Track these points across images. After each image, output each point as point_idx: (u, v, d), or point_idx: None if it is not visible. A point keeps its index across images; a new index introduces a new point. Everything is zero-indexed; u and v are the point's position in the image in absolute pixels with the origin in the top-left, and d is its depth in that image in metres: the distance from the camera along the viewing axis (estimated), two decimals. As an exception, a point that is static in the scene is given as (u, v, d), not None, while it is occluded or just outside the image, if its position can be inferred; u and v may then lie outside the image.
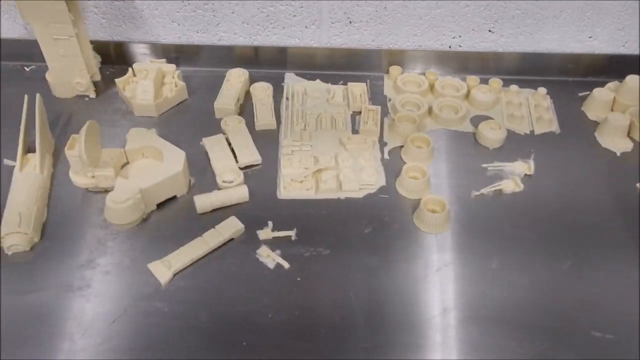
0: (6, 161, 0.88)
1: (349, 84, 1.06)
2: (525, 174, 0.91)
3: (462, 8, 1.02)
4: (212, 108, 1.00)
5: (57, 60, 0.96)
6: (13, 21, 1.06)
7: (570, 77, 1.11)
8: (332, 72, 1.10)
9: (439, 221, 0.81)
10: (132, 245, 0.79)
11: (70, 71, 0.98)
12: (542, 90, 1.05)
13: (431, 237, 0.82)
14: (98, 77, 1.05)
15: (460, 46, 1.08)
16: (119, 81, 1.01)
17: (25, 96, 0.91)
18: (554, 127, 1.00)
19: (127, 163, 0.87)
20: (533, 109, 1.03)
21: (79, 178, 0.83)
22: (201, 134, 0.95)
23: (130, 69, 1.03)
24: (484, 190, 0.87)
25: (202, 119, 0.99)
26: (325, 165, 0.89)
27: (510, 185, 0.88)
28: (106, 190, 0.84)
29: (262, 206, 0.85)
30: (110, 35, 1.08)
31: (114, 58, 1.09)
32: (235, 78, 1.04)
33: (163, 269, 0.74)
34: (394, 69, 1.08)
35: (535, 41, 1.08)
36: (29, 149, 0.87)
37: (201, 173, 0.89)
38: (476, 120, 1.01)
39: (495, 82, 1.06)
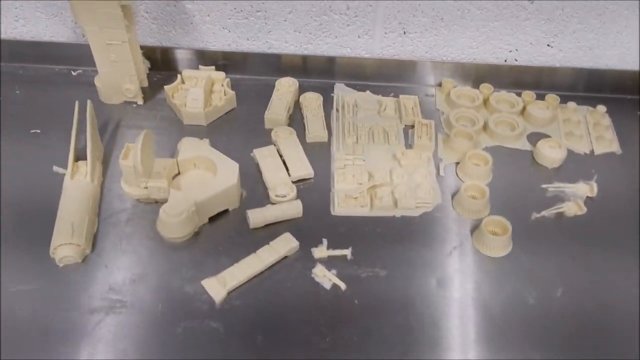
0: (55, 168, 0.87)
1: (400, 96, 1.03)
2: (587, 196, 0.87)
3: (522, 21, 0.99)
4: (261, 117, 0.97)
5: (108, 65, 0.95)
6: (62, 24, 1.04)
7: (629, 94, 1.07)
8: (382, 84, 1.07)
9: (500, 244, 0.78)
10: (184, 259, 0.77)
11: (120, 77, 0.97)
12: (602, 108, 1.02)
13: (491, 260, 0.79)
14: (145, 83, 1.03)
15: (516, 60, 1.05)
16: (167, 88, 0.99)
17: (77, 102, 0.90)
18: (615, 148, 0.97)
19: (179, 174, 0.86)
20: (592, 128, 0.99)
21: (132, 189, 0.81)
22: (250, 144, 0.93)
23: (178, 75, 1.01)
24: (545, 213, 0.84)
25: (251, 128, 0.97)
26: (381, 182, 0.87)
27: (572, 208, 0.85)
28: (157, 202, 0.82)
29: (315, 222, 0.83)
30: (159, 40, 1.06)
31: (160, 63, 1.07)
32: (286, 87, 1.02)
33: (218, 287, 0.72)
34: (447, 82, 1.05)
35: (595, 56, 1.04)
36: (78, 156, 0.86)
37: (252, 185, 0.87)
38: (532, 138, 0.98)
39: (552, 98, 1.02)
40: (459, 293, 0.75)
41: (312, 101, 1.01)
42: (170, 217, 0.76)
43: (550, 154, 0.92)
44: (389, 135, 0.96)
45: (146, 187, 0.80)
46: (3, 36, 1.06)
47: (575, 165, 0.93)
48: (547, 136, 0.97)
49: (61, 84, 1.05)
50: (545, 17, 0.98)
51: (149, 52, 1.05)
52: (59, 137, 0.90)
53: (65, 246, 0.74)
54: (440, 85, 1.07)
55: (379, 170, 0.89)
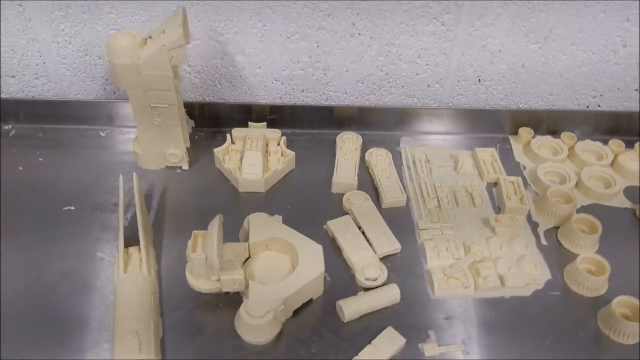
0: (100, 254, 0.74)
1: (476, 149, 0.92)
2: None
3: (611, 66, 0.90)
4: (325, 180, 0.86)
5: (152, 129, 0.82)
6: (91, 81, 0.92)
7: None
8: (450, 135, 0.97)
9: (635, 330, 0.68)
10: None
11: (163, 141, 0.84)
12: (699, 156, 0.93)
13: (624, 348, 0.68)
14: (188, 144, 0.91)
15: (599, 105, 0.96)
16: (218, 151, 0.87)
17: (120, 177, 0.77)
18: None
19: (249, 257, 0.73)
20: (689, 178, 0.90)
21: (200, 282, 0.68)
22: (319, 214, 0.81)
23: (227, 135, 0.89)
24: (672, 286, 0.74)
25: (316, 194, 0.86)
26: (481, 256, 0.76)
27: (700, 278, 0.75)
28: (226, 293, 0.69)
29: (414, 309, 0.71)
30: (201, 95, 0.94)
31: (201, 119, 0.95)
32: (350, 145, 0.91)
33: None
34: (525, 131, 0.95)
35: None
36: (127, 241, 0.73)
37: (330, 265, 0.75)
38: (628, 193, 0.88)
39: (643, 146, 0.93)
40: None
41: (380, 159, 0.90)
42: (254, 318, 0.63)
43: (660, 213, 0.82)
44: (473, 197, 0.86)
45: (218, 279, 0.67)
46: (20, 95, 0.93)
47: (684, 224, 0.84)
48: (645, 190, 0.88)
49: (89, 147, 0.92)
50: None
51: (189, 108, 0.92)
52: (94, 215, 0.77)
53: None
54: (516, 134, 0.97)
55: (474, 241, 0.78)
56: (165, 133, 0.83)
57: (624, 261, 0.77)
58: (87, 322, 0.66)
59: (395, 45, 0.88)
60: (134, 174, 0.78)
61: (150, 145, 0.85)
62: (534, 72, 0.90)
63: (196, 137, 0.94)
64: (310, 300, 0.71)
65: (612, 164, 0.92)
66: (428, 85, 0.92)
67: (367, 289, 0.72)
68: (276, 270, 0.71)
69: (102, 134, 0.94)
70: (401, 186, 0.85)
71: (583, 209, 0.85)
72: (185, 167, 0.88)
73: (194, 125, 0.94)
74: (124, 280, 0.68)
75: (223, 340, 0.66)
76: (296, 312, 0.70)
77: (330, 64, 0.89)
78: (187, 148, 0.89)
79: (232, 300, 0.69)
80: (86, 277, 0.71)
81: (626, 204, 0.87)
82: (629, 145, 0.94)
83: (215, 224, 0.64)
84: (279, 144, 0.90)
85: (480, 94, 0.94)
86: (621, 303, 0.69)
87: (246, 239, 0.73)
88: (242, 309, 0.64)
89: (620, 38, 0.88)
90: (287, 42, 0.88)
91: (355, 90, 0.93)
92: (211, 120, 0.96)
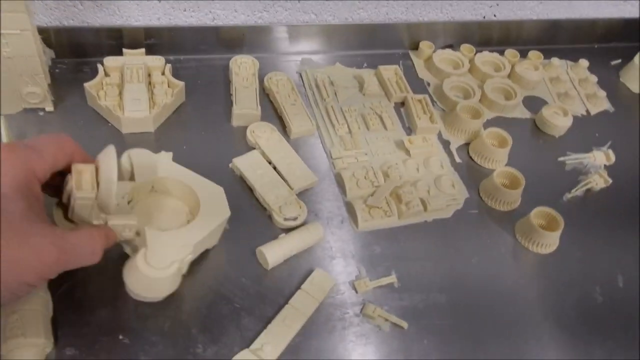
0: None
1: (379, 67, 0.87)
2: (605, 165, 0.81)
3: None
4: (221, 112, 0.76)
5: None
6: None
7: (596, 43, 1.03)
8: (348, 52, 0.90)
9: (552, 240, 0.69)
10: (182, 328, 0.56)
11: (18, 78, 0.68)
12: (584, 62, 0.95)
13: (543, 258, 0.69)
14: (48, 80, 0.74)
15: (495, 15, 0.94)
16: (89, 86, 0.72)
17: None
18: (607, 105, 0.91)
19: (131, 201, 0.62)
20: (578, 85, 0.93)
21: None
22: (219, 151, 0.72)
23: (99, 66, 0.74)
24: (576, 192, 0.76)
25: (212, 129, 0.75)
26: (401, 181, 0.72)
27: (599, 181, 0.78)
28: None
29: (337, 245, 0.66)
30: (58, 19, 0.77)
31: (63, 49, 0.79)
32: (245, 70, 0.80)
33: (259, 365, 0.54)
34: (425, 45, 0.91)
35: (571, 7, 0.97)
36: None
37: (243, 207, 0.67)
38: (526, 103, 0.89)
39: (536, 55, 0.94)
40: (528, 295, 0.64)
41: (282, 84, 0.81)
42: (156, 270, 0.52)
43: (558, 122, 0.83)
44: (383, 119, 0.81)
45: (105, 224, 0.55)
46: None
47: (579, 131, 0.86)
48: (542, 100, 0.89)
49: None
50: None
51: (44, 35, 0.75)
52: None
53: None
54: (416, 49, 0.92)
55: (390, 166, 0.74)
56: (18, 67, 0.67)
57: (530, 172, 0.78)
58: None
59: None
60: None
61: (2, 84, 0.68)
62: (435, -19, 0.86)
63: (57, 70, 0.78)
64: (207, 252, 0.62)
65: (510, 75, 0.91)
66: (325, -1, 0.84)
67: (286, 230, 0.65)
68: (167, 216, 0.61)
69: None
70: (308, 115, 0.78)
71: (488, 123, 0.84)
72: (50, 108, 0.73)
73: (53, 56, 0.77)
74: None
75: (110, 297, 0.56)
76: (210, 264, 0.62)
77: (216, -25, 0.77)
78: (48, 84, 0.73)
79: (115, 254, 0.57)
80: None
81: (526, 114, 0.87)
82: (523, 55, 0.94)
83: (111, 154, 0.51)
84: (163, 73, 0.77)
85: (380, 7, 0.87)
86: (538, 214, 0.70)
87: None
88: (139, 260, 0.51)
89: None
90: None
91: (247, 8, 0.82)
92: (74, 49, 0.79)
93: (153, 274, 0.51)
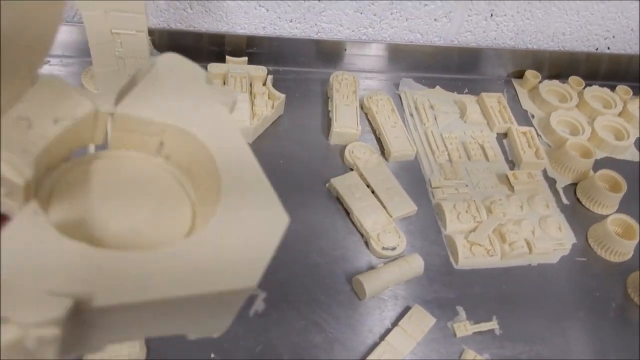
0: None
1: (482, 94, 0.83)
2: None
3: (629, 3, 0.82)
4: (315, 127, 0.74)
5: (111, 63, 0.65)
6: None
7: None
8: (446, 75, 0.86)
9: (671, 299, 0.63)
10: (273, 352, 0.54)
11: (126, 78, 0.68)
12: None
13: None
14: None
15: (609, 48, 0.88)
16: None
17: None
18: None
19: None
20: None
21: None
22: (315, 168, 0.70)
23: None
24: (695, 247, 0.70)
25: (309, 145, 0.73)
26: (505, 218, 0.68)
27: None
28: None
29: (436, 281, 0.62)
30: (166, 21, 0.77)
31: (160, 50, 0.78)
32: (347, 87, 0.78)
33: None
34: (531, 75, 0.86)
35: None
36: None
37: (338, 230, 0.64)
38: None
39: (650, 94, 0.88)
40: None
41: (382, 105, 0.78)
42: None
43: (676, 168, 0.77)
44: (485, 149, 0.77)
45: None
46: None
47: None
48: (655, 143, 0.83)
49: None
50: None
51: (150, 36, 0.75)
52: None
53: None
54: (520, 77, 0.88)
55: (494, 201, 0.70)
56: (128, 68, 0.67)
57: (643, 221, 0.72)
58: None
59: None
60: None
61: (109, 82, 0.68)
62: (551, 6, 0.81)
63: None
64: (300, 274, 0.60)
65: (621, 113, 0.85)
66: (435, 20, 0.80)
67: (383, 258, 0.62)
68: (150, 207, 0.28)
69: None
70: (408, 138, 0.75)
71: (596, 163, 0.79)
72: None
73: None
74: None
75: None
76: (301, 287, 0.59)
77: (326, -11, 0.75)
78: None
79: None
80: None
81: (636, 157, 0.81)
82: (636, 92, 0.88)
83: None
84: (264, 84, 0.75)
85: (489, 31, 0.83)
86: (655, 270, 0.64)
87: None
88: None
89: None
90: (274, -42, 0.72)
91: (353, 22, 0.80)
92: (175, 52, 0.79)
93: None
